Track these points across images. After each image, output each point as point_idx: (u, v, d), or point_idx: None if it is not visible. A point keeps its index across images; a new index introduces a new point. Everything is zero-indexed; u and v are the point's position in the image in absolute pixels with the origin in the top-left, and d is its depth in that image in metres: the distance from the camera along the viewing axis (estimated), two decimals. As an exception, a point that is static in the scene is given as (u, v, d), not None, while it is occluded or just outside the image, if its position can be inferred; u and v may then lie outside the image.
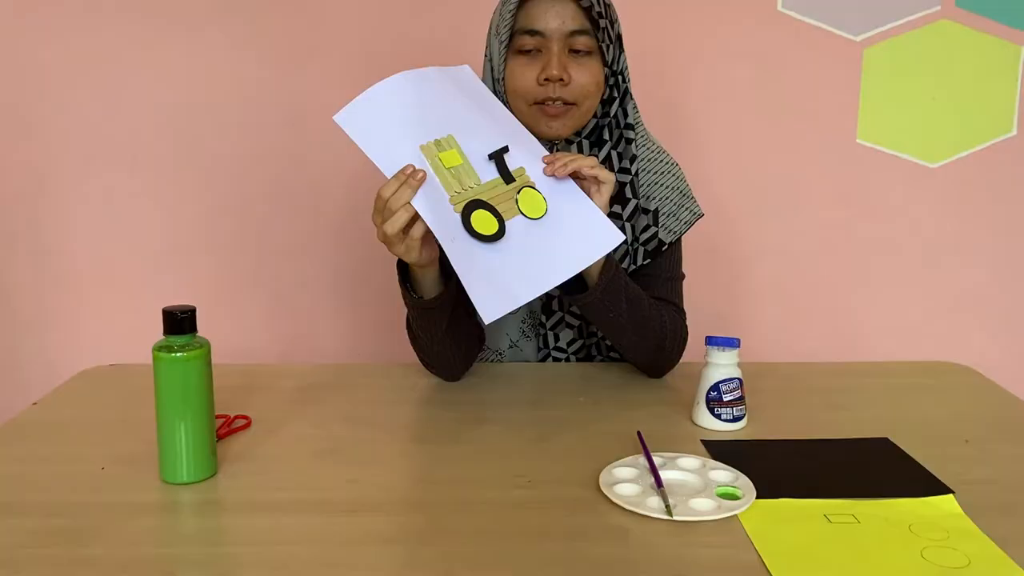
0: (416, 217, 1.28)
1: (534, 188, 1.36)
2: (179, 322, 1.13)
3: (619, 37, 1.53)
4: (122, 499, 1.11)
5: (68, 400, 1.48)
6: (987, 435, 1.32)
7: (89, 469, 1.19)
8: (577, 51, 1.48)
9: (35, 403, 1.45)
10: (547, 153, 1.39)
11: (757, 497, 1.09)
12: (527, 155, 1.38)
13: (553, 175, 1.36)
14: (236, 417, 1.36)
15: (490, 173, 1.35)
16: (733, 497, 1.09)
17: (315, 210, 2.27)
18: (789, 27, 2.21)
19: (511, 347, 1.64)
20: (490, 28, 1.55)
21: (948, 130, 2.27)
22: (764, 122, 2.25)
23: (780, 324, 2.35)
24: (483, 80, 1.56)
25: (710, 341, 1.35)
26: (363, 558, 0.98)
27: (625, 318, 1.45)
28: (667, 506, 1.05)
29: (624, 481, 1.13)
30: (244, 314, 2.30)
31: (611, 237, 1.35)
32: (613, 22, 1.51)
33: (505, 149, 1.36)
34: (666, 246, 1.58)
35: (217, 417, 1.23)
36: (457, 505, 1.10)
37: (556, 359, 1.64)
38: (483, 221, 1.30)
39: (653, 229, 1.56)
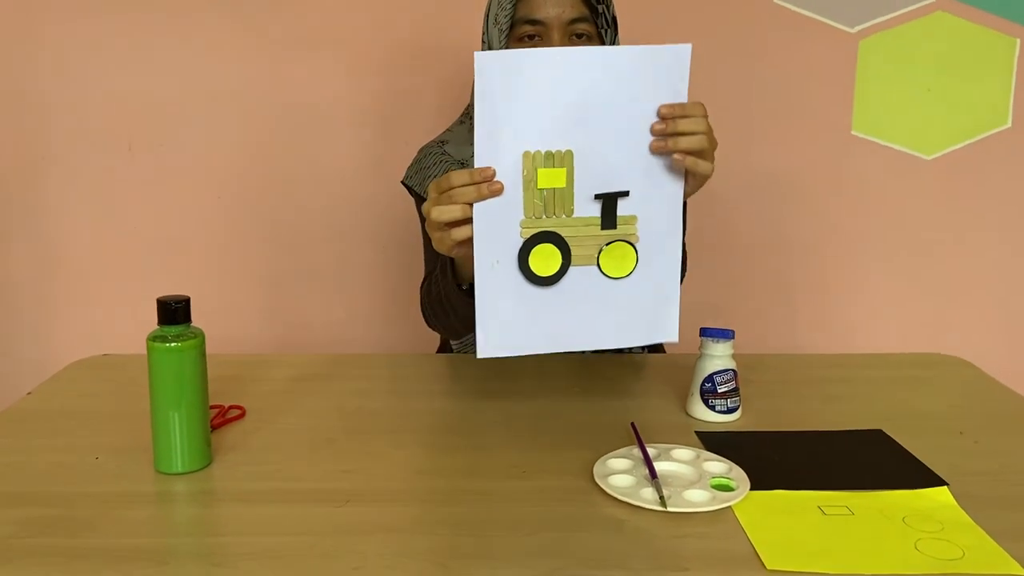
0: (467, 220, 1.19)
1: (632, 245, 1.21)
2: (173, 312, 1.13)
3: (615, 19, 1.53)
4: (116, 489, 1.11)
5: (62, 390, 1.48)
6: (981, 427, 1.33)
7: (83, 459, 1.19)
8: (577, 36, 1.48)
9: (29, 393, 1.45)
10: (680, 212, 1.22)
11: (751, 488, 1.09)
12: (654, 203, 1.20)
13: (661, 140, 1.17)
14: (230, 407, 1.36)
15: (591, 210, 1.19)
16: (727, 488, 1.09)
17: (311, 201, 2.26)
18: (784, 18, 2.20)
19: None
20: (487, 15, 1.55)
21: (943, 122, 2.27)
22: (759, 113, 2.24)
23: (774, 316, 2.35)
24: None
25: (704, 333, 1.35)
26: (357, 548, 0.98)
27: None
28: (661, 497, 1.05)
29: (618, 472, 1.13)
30: (238, 304, 2.30)
31: (668, 331, 1.25)
32: (609, 5, 1.52)
33: (623, 194, 1.19)
34: None
35: (211, 407, 1.22)
36: (451, 496, 1.10)
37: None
38: (544, 259, 1.19)
39: None
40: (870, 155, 2.27)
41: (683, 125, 1.17)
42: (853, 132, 2.27)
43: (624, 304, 1.22)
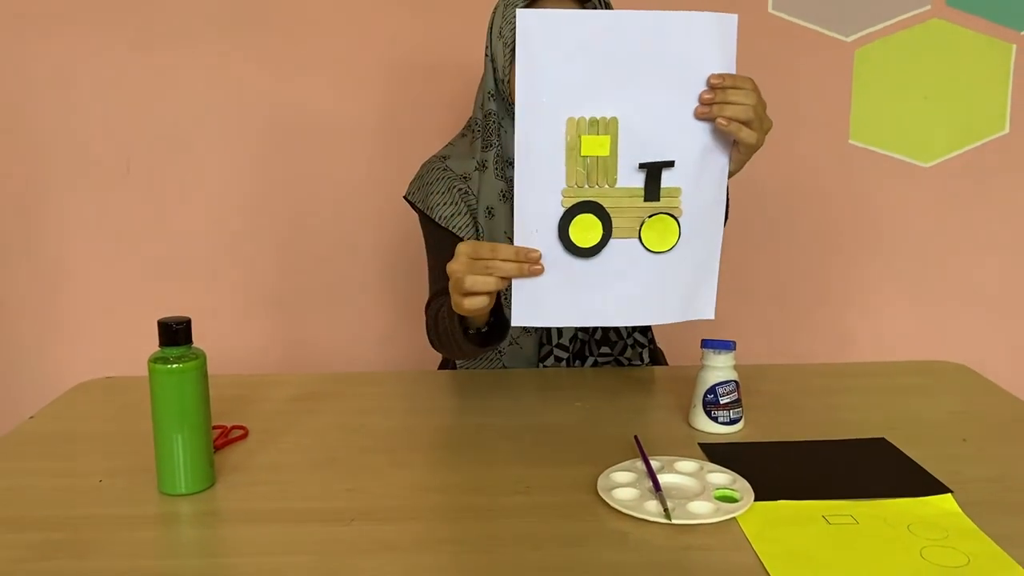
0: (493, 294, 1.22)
1: (675, 219, 1.20)
2: (174, 333, 1.13)
3: None
4: (120, 511, 1.11)
5: (65, 413, 1.48)
6: (984, 434, 1.33)
7: (87, 482, 1.19)
8: None
9: (31, 416, 1.45)
10: (724, 188, 1.23)
11: (755, 499, 1.09)
12: (699, 175, 1.19)
13: (706, 107, 1.17)
14: (233, 427, 1.36)
15: (635, 181, 1.18)
16: (731, 500, 1.09)
17: (312, 219, 2.27)
18: (780, 28, 2.21)
19: (512, 344, 1.65)
20: (491, 29, 1.56)
21: (941, 129, 2.27)
22: (757, 124, 2.25)
23: (775, 326, 2.36)
24: (485, 78, 1.57)
25: (706, 344, 1.35)
26: (362, 567, 0.98)
27: None
28: (665, 510, 1.05)
29: (622, 485, 1.13)
30: (239, 325, 2.30)
31: (705, 309, 1.25)
32: None
33: (668, 164, 1.17)
34: None
35: (214, 428, 1.23)
36: (455, 512, 1.10)
37: (558, 358, 1.64)
38: (584, 230, 1.18)
39: None
40: (868, 163, 2.28)
41: (732, 95, 1.17)
42: (851, 141, 2.27)
43: (663, 280, 1.21)
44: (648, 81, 1.16)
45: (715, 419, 1.33)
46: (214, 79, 2.20)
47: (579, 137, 1.15)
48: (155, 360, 1.13)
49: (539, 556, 0.99)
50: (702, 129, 1.18)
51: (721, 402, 1.33)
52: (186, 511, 1.12)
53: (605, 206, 1.17)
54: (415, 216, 1.67)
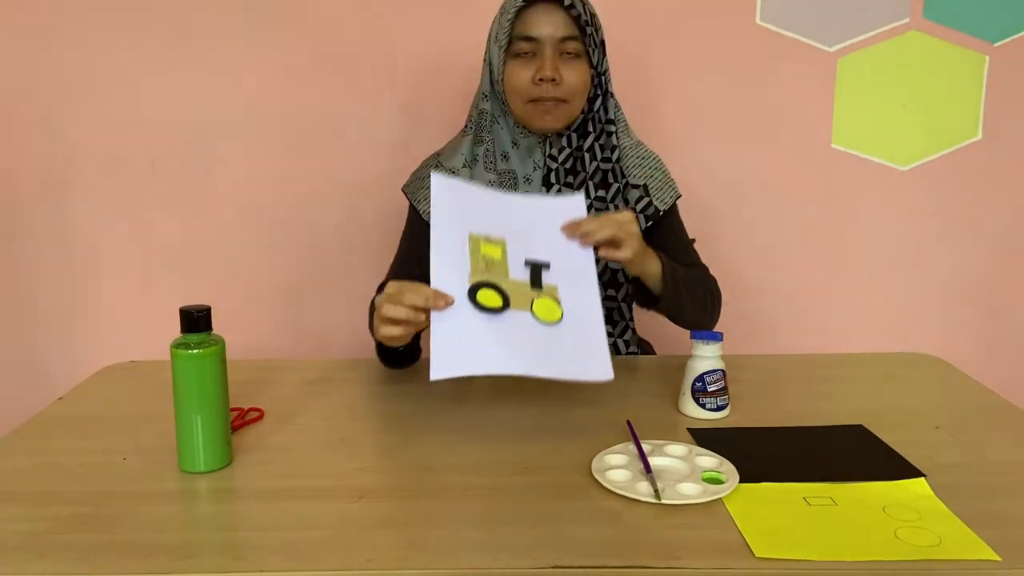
0: (406, 322, 1.27)
1: (556, 302, 1.30)
2: (195, 321, 1.13)
3: (602, 43, 1.59)
4: (143, 488, 1.12)
5: (91, 395, 1.48)
6: (956, 421, 1.33)
7: (111, 460, 1.19)
8: (567, 54, 1.54)
9: (60, 398, 1.45)
10: (596, 289, 1.33)
11: (740, 481, 1.09)
12: (568, 279, 1.33)
13: (579, 242, 1.35)
14: (249, 409, 1.36)
15: (522, 275, 1.31)
16: (717, 481, 1.09)
17: (324, 214, 2.26)
18: (767, 39, 2.21)
19: None
20: (489, 36, 1.61)
21: (917, 135, 2.27)
22: (744, 128, 2.24)
23: (761, 319, 2.35)
24: (482, 80, 1.62)
25: (695, 335, 1.35)
26: (370, 541, 0.98)
27: (686, 300, 1.52)
28: (656, 490, 1.05)
29: (615, 467, 1.13)
30: (257, 313, 2.30)
31: (603, 371, 1.26)
32: (597, 29, 1.58)
33: (545, 265, 1.32)
34: (662, 212, 1.63)
35: (231, 410, 1.23)
36: (458, 491, 1.10)
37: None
38: (489, 297, 1.26)
39: (647, 199, 1.62)
40: (849, 167, 2.27)
41: (585, 226, 1.34)
42: (833, 145, 2.27)
43: (556, 344, 1.26)
44: (524, 227, 1.37)
45: (703, 405, 1.33)
46: (231, 82, 2.19)
47: (479, 242, 1.32)
48: (177, 346, 1.13)
49: (536, 532, 0.99)
50: (569, 246, 1.35)
51: (709, 389, 1.32)
52: (204, 488, 1.12)
53: (503, 287, 1.28)
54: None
